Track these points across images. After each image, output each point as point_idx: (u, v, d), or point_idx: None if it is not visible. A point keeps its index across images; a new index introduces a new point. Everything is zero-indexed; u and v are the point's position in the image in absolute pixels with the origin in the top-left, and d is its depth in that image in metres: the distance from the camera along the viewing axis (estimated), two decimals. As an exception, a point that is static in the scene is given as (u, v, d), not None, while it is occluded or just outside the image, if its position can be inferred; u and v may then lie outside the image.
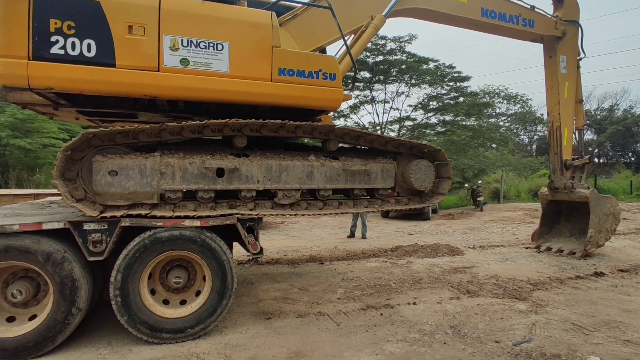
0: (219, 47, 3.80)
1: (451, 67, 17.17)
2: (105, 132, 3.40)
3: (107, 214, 3.29)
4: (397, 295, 4.89)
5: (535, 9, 6.91)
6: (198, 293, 3.69)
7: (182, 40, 3.68)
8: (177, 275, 3.53)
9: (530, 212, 14.47)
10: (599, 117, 37.64)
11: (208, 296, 3.53)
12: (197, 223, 3.47)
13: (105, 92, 3.53)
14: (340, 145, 4.59)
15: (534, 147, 46.37)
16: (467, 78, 16.95)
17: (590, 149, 42.28)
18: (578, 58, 7.37)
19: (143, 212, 3.46)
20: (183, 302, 3.64)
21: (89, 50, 3.41)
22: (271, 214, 3.98)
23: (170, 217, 3.44)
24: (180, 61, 3.68)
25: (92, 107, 4.20)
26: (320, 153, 4.43)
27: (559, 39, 7.14)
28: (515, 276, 5.69)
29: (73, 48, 3.36)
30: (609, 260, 6.65)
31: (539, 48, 7.45)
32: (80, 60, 3.38)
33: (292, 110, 4.31)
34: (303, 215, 4.22)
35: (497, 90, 30.36)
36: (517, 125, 41.50)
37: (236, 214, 3.71)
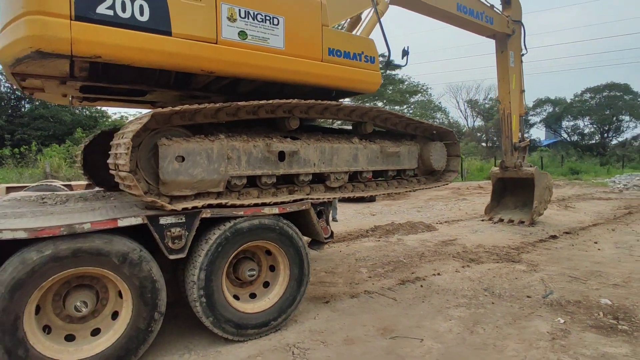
0: (275, 21, 3.55)
1: (383, 55, 18.13)
2: (164, 112, 2.94)
3: (188, 205, 2.89)
4: (418, 269, 5.24)
5: (494, 9, 7.81)
6: (266, 284, 3.49)
7: (239, 10, 3.34)
8: (251, 268, 3.28)
9: (455, 191, 16.35)
10: (487, 106, 43.67)
11: (287, 285, 3.37)
12: (275, 210, 3.26)
13: (159, 65, 3.05)
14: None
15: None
16: (397, 67, 18.15)
17: (479, 135, 49.17)
18: (521, 54, 8.54)
19: (210, 201, 3.11)
20: (253, 296, 3.41)
21: (141, 13, 2.89)
22: (327, 198, 3.91)
23: (249, 206, 3.17)
24: (239, 34, 3.35)
25: (107, 81, 3.56)
26: (352, 136, 4.45)
27: (509, 36, 8.17)
28: (495, 244, 6.52)
29: (123, 9, 2.82)
30: (550, 226, 8.01)
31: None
32: (133, 25, 2.85)
33: (324, 91, 4.25)
34: (349, 197, 4.23)
35: (401, 80, 33.20)
36: (419, 113, 45.93)
37: (308, 198, 3.57)
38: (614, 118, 35.30)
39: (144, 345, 2.69)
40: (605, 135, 36.57)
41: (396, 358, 2.93)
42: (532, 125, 39.81)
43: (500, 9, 8.26)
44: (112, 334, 2.63)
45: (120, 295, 2.76)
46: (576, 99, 37.28)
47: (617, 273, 4.92)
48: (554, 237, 6.96)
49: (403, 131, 4.90)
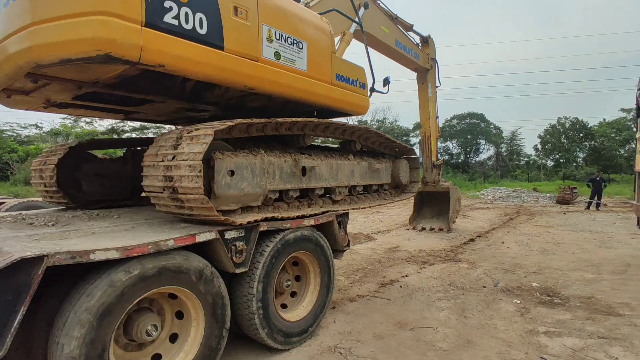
0: (300, 45, 3.82)
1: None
2: (223, 128, 2.94)
3: (251, 219, 2.91)
4: (386, 273, 5.86)
5: (419, 47, 9.21)
6: (293, 294, 3.63)
7: (275, 32, 3.53)
8: (287, 279, 3.41)
9: (366, 203, 17.85)
10: (374, 126, 48.46)
11: (319, 292, 3.57)
12: (312, 222, 3.47)
13: (211, 78, 3.05)
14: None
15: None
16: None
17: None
18: (436, 86, 10.17)
19: (259, 215, 3.18)
20: (283, 306, 3.52)
21: (201, 26, 2.88)
22: (342, 210, 4.24)
23: (294, 218, 3.32)
24: (274, 54, 3.52)
25: (126, 90, 3.32)
26: (347, 153, 4.89)
27: (428, 70, 9.69)
28: (432, 249, 7.61)
29: (187, 20, 2.79)
30: (464, 232, 9.60)
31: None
32: (194, 37, 2.84)
33: (312, 110, 4.61)
34: (347, 210, 4.62)
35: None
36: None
37: (332, 210, 3.85)
38: (474, 141, 43.07)
39: (215, 363, 2.63)
40: (468, 155, 44.29)
41: (426, 344, 3.42)
42: (412, 146, 45.61)
43: (420, 47, 9.76)
44: (183, 357, 2.51)
45: (178, 316, 2.64)
46: (446, 123, 44.27)
47: (530, 264, 6.34)
48: (472, 240, 8.44)
49: (378, 149, 5.53)
